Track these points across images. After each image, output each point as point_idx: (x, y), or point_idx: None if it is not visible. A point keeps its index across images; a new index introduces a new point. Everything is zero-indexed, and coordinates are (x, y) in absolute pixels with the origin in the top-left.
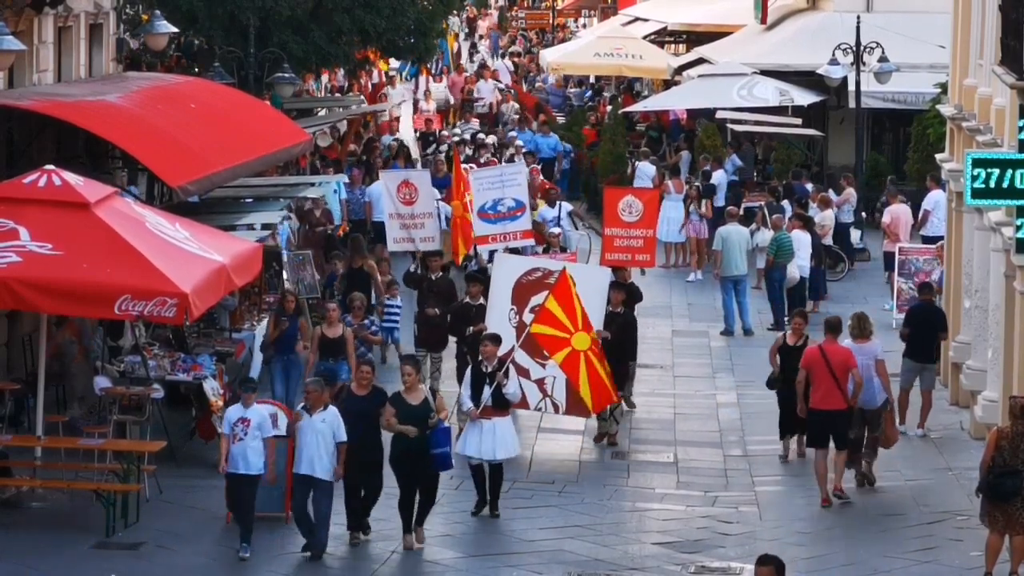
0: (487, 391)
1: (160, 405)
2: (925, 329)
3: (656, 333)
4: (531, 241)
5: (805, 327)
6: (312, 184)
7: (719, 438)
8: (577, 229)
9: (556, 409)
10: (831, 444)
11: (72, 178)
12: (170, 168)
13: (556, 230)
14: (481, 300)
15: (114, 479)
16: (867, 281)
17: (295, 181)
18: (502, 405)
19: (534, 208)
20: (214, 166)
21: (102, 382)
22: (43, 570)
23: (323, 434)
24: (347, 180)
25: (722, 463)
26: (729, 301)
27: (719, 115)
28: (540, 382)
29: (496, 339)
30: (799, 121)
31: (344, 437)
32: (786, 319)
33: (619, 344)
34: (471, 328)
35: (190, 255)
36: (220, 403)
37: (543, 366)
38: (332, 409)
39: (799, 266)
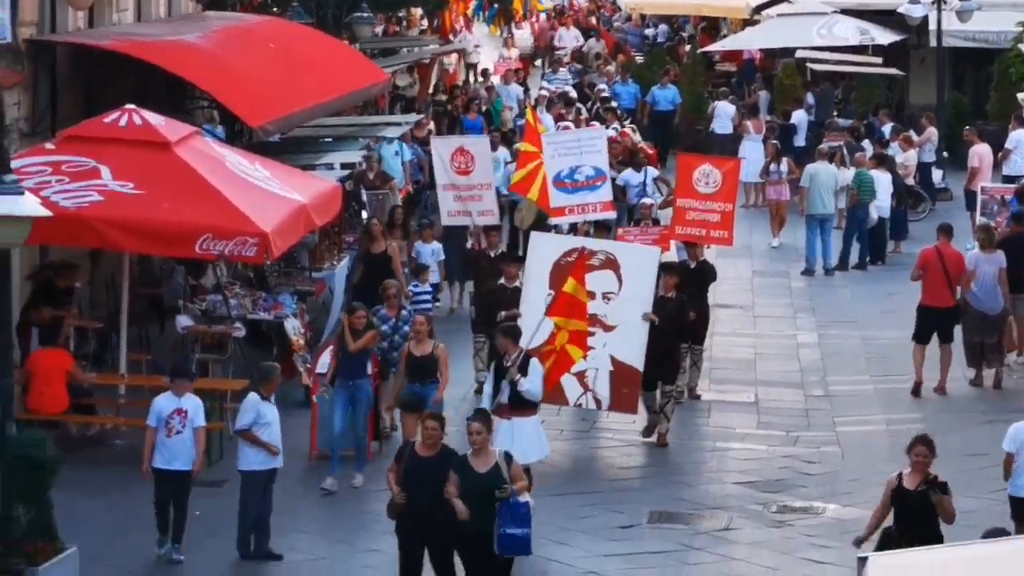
0: (504, 387)
1: (241, 344)
2: (1019, 258)
3: (736, 273)
4: (612, 214)
5: (931, 460)
6: (395, 124)
7: (800, 378)
8: (663, 197)
9: (598, 404)
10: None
11: (152, 117)
12: (249, 108)
13: (647, 200)
14: (517, 282)
15: None
16: (949, 220)
17: (374, 121)
18: (522, 404)
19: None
20: (293, 106)
21: (184, 321)
22: (126, 507)
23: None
24: (421, 123)
25: (803, 403)
26: (813, 239)
27: (799, 54)
28: (580, 375)
29: (511, 332)
30: (879, 60)
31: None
32: (865, 259)
33: (665, 332)
34: (503, 313)
35: (270, 194)
36: (301, 342)
37: (585, 357)
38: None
39: (878, 206)
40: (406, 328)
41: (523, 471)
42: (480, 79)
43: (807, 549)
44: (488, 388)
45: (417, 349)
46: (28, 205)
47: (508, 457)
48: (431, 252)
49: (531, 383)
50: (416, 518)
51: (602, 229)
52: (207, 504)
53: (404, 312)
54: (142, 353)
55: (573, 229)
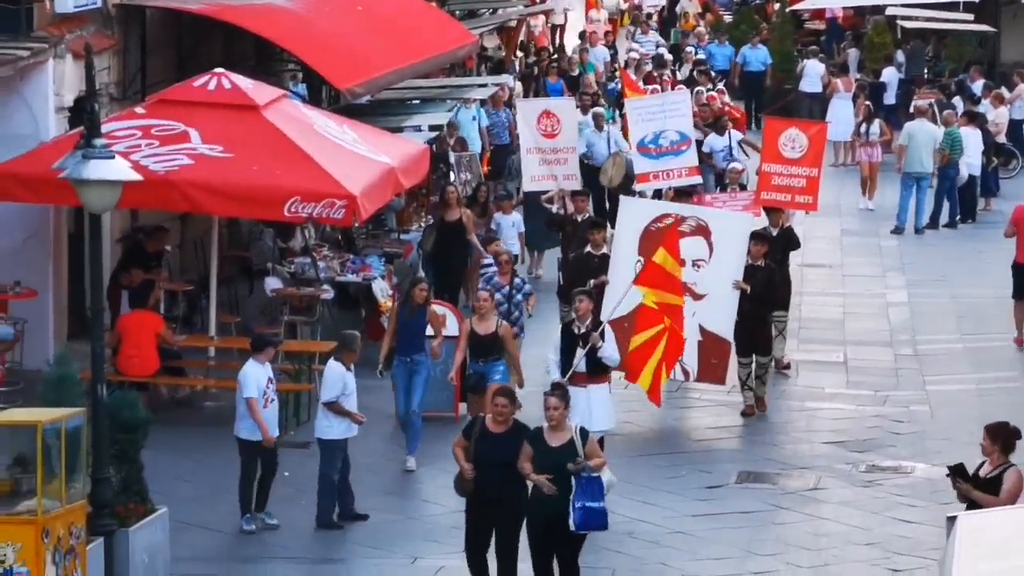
0: (580, 354)
1: (330, 306)
2: None
3: (825, 232)
4: (698, 179)
5: (992, 448)
6: (483, 85)
7: (889, 337)
8: (748, 159)
9: (687, 375)
10: None
11: (241, 81)
12: (337, 70)
13: (737, 165)
14: (604, 249)
15: (285, 379)
16: None
17: (462, 82)
18: (598, 370)
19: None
20: (381, 68)
21: (273, 283)
22: (214, 465)
23: None
24: (511, 85)
25: (892, 362)
26: (907, 197)
27: (889, 11)
28: None
29: (592, 295)
30: (970, 17)
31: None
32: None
33: (755, 301)
34: (591, 282)
35: (358, 157)
36: (389, 304)
37: None
38: None
39: (968, 163)
40: (519, 297)
41: (599, 450)
42: (578, 40)
43: (896, 508)
44: (555, 356)
45: (480, 326)
46: (118, 169)
47: (584, 433)
48: (511, 224)
49: (611, 347)
50: (486, 494)
51: (683, 195)
52: (295, 464)
53: (517, 280)
54: (231, 316)
55: (658, 195)
